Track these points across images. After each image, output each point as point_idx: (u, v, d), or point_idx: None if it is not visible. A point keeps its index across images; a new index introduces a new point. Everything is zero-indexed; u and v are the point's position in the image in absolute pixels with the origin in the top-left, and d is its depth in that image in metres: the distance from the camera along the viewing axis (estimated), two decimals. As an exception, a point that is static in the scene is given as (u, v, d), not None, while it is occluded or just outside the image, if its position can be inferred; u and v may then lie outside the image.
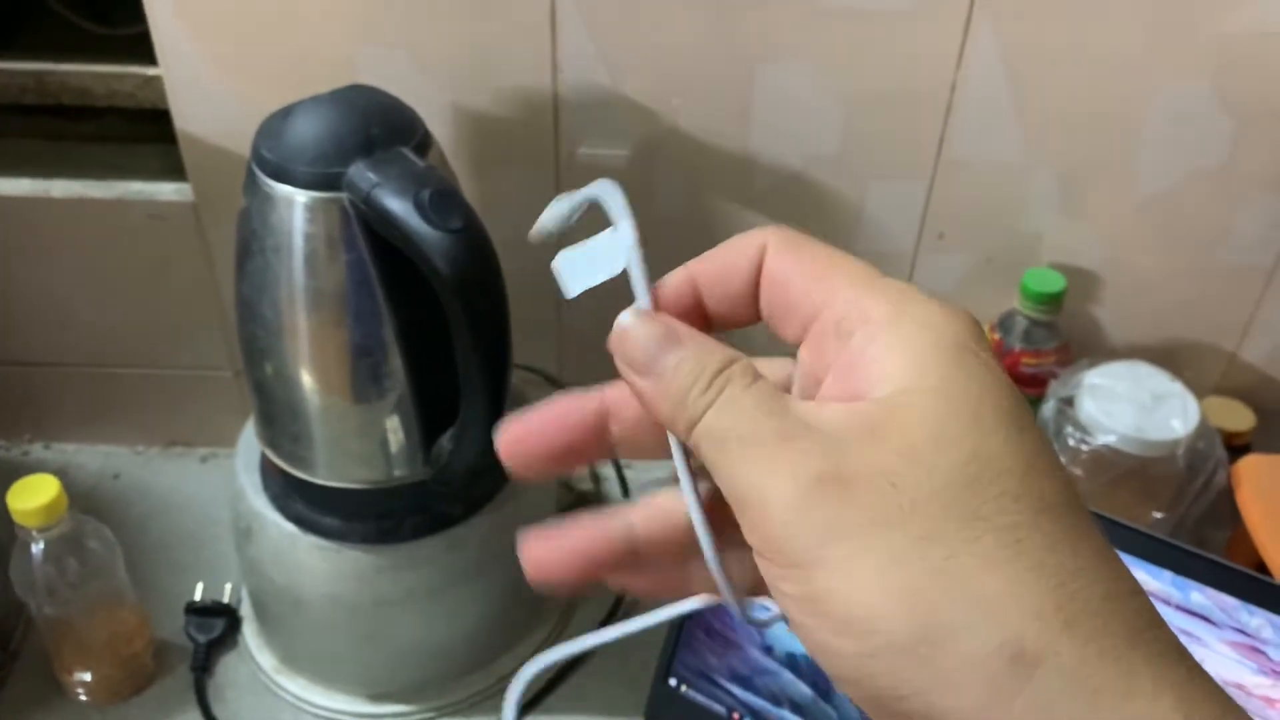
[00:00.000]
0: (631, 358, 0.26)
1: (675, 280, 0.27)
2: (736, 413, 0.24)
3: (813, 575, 0.22)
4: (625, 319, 0.26)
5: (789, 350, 0.27)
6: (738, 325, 0.28)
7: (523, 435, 0.28)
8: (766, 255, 0.26)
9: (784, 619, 0.25)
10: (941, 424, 0.22)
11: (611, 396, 0.28)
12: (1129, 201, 0.76)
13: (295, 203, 0.56)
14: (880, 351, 0.24)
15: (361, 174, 0.54)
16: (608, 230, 0.27)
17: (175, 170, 0.76)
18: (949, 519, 0.21)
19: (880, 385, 0.23)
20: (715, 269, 0.27)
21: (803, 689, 0.65)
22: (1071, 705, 0.20)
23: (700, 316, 0.27)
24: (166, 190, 0.77)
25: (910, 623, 0.21)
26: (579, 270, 0.28)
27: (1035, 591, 0.21)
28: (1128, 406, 0.72)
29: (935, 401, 0.23)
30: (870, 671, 0.22)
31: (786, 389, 0.27)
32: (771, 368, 0.27)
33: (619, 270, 0.27)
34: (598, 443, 0.28)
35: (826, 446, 0.23)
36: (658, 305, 0.27)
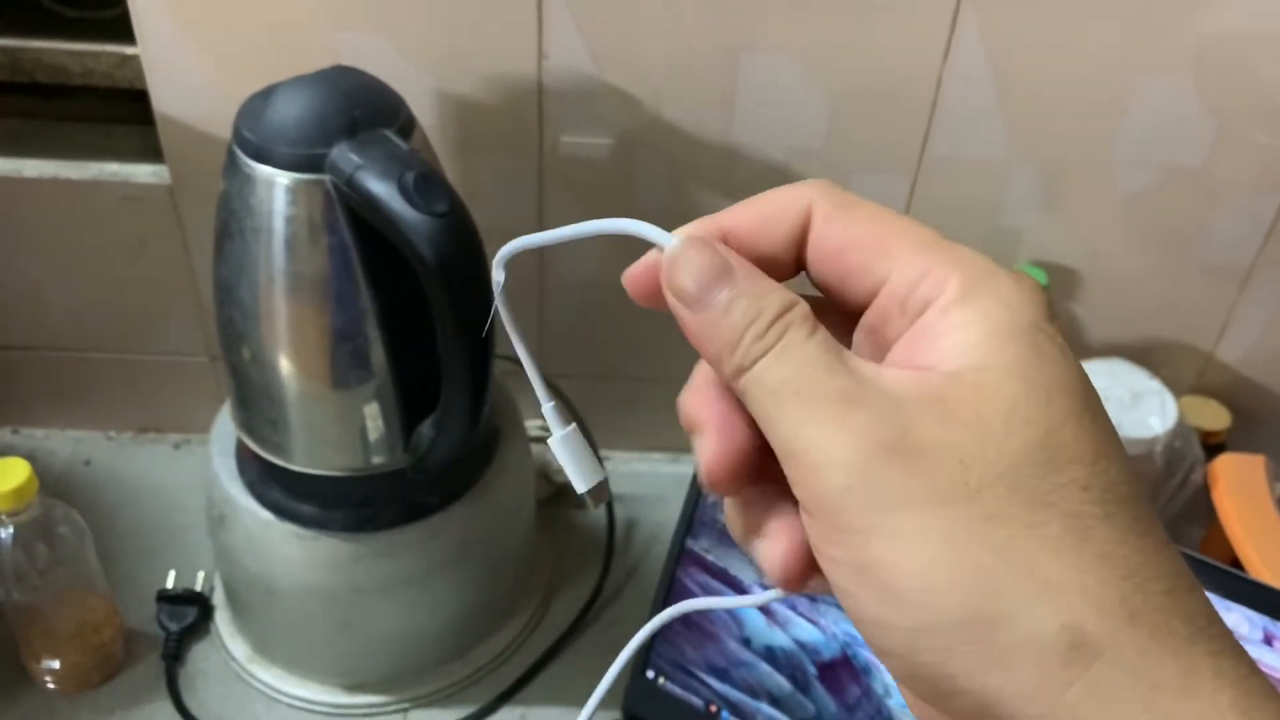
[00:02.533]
0: (679, 286, 0.24)
1: (701, 228, 0.25)
2: (796, 365, 0.23)
3: (867, 543, 0.21)
4: (676, 244, 0.24)
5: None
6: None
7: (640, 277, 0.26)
8: (814, 219, 0.25)
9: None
10: (1014, 405, 0.21)
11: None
12: (1109, 200, 0.76)
13: (276, 184, 0.55)
14: (951, 326, 0.23)
15: (344, 156, 0.54)
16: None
17: (152, 152, 0.75)
18: (1015, 502, 0.21)
19: (951, 359, 0.22)
20: (750, 224, 0.25)
21: (780, 681, 0.65)
22: (1129, 699, 0.20)
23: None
24: (143, 172, 0.75)
25: (968, 600, 0.20)
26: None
27: (1100, 582, 0.20)
28: (1105, 404, 0.72)
29: (1009, 382, 0.22)
30: (919, 647, 0.21)
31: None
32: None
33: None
34: None
35: (893, 413, 0.22)
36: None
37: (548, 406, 0.29)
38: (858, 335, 0.25)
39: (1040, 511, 0.21)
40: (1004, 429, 0.21)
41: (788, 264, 0.25)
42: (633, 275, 0.26)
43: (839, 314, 0.26)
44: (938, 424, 0.21)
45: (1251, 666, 0.21)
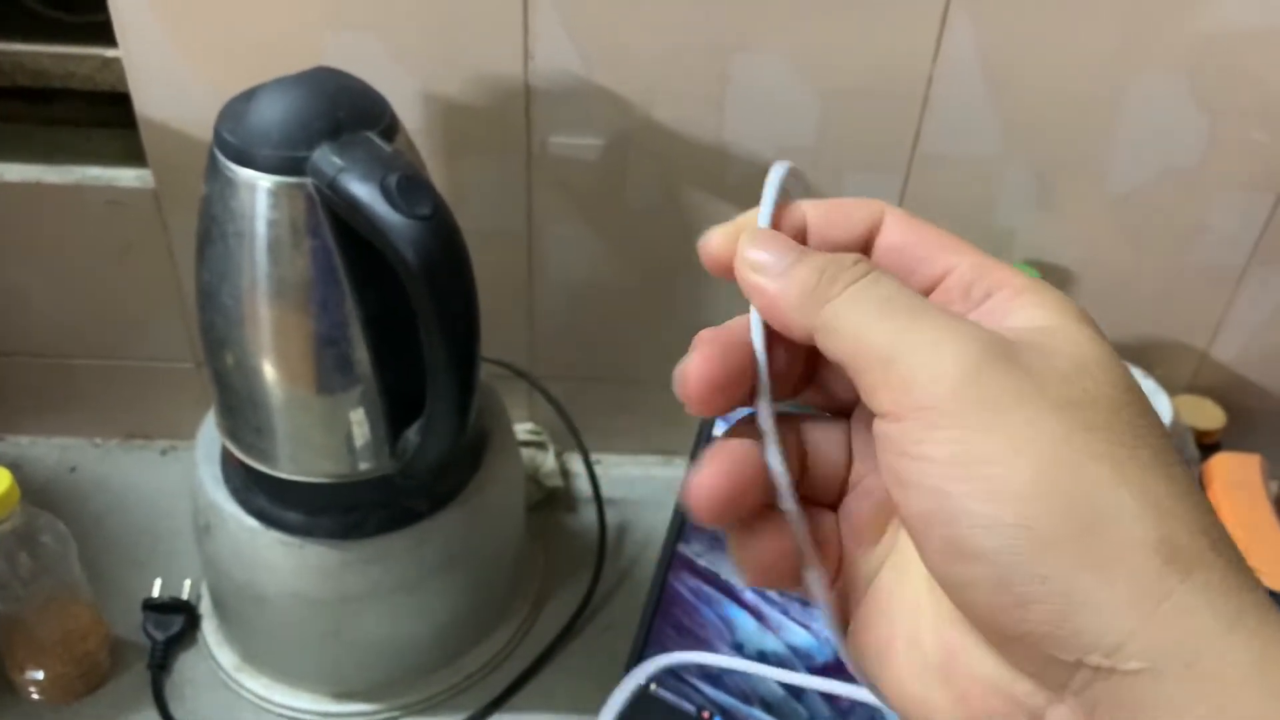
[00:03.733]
0: (761, 261, 0.26)
1: (795, 209, 0.28)
2: (892, 286, 0.25)
3: (976, 439, 0.22)
4: (757, 229, 0.27)
5: None
6: None
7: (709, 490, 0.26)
8: (887, 218, 0.27)
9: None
10: (1101, 353, 0.23)
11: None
12: (1103, 199, 0.76)
13: (258, 187, 0.55)
14: (1022, 306, 0.25)
15: (326, 158, 0.53)
16: None
17: (135, 156, 0.74)
18: (1114, 424, 0.22)
19: (1031, 321, 0.24)
20: (829, 216, 0.27)
21: (773, 687, 0.64)
22: (1214, 620, 0.20)
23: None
24: (126, 176, 0.75)
25: (1075, 500, 0.21)
26: None
27: (1189, 508, 0.21)
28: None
29: (1093, 338, 0.24)
30: (1016, 545, 0.21)
31: None
32: None
33: None
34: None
35: (996, 333, 0.23)
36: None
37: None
38: None
39: (1133, 437, 0.22)
40: (1096, 367, 0.23)
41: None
42: (710, 245, 0.27)
43: None
44: (1040, 356, 0.23)
45: None
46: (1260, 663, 0.20)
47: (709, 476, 0.25)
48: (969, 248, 0.26)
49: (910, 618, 0.25)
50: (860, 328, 0.24)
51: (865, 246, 0.27)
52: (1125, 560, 0.20)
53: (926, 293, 0.26)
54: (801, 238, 0.27)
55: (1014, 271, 0.26)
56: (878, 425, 0.24)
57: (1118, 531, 0.21)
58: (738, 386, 0.26)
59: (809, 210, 0.28)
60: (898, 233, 0.27)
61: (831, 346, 0.24)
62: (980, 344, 0.23)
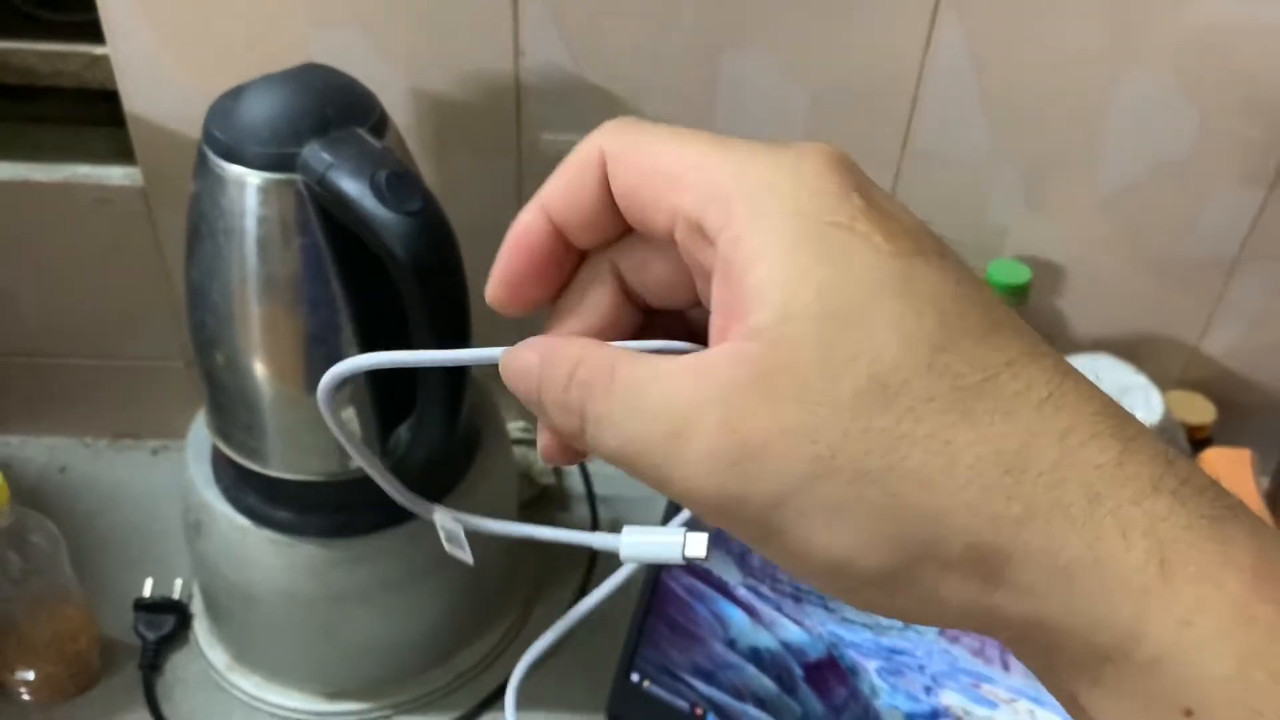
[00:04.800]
0: (526, 398, 0.25)
1: (527, 219, 0.25)
2: (607, 429, 0.23)
3: (772, 543, 0.22)
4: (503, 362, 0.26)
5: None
6: (607, 244, 0.26)
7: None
8: (607, 166, 0.24)
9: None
10: (831, 351, 0.21)
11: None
12: (1093, 195, 0.76)
13: (247, 184, 0.54)
14: (748, 255, 0.22)
15: (316, 154, 0.53)
16: (670, 529, 0.30)
17: (124, 153, 0.73)
18: (870, 451, 0.20)
19: (758, 307, 0.21)
20: (560, 193, 0.25)
21: (766, 683, 0.64)
22: (1047, 586, 0.20)
23: (564, 251, 0.26)
24: (115, 174, 0.74)
25: (878, 559, 0.21)
26: (636, 543, 0.30)
27: (980, 491, 0.20)
28: (1092, 399, 0.72)
29: (819, 325, 0.21)
30: (863, 600, 0.22)
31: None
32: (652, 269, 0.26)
33: (672, 560, 0.29)
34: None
35: (719, 418, 0.21)
36: (516, 279, 0.26)
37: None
38: (698, 281, 0.25)
39: (897, 448, 0.20)
40: (831, 382, 0.21)
41: (610, 222, 0.25)
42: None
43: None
44: (765, 408, 0.21)
45: (1177, 492, 0.21)
46: (1099, 605, 0.20)
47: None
48: (686, 165, 0.23)
49: None
50: (616, 461, 0.23)
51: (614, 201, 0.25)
52: (947, 582, 0.21)
53: (670, 239, 0.24)
54: (553, 240, 0.25)
55: (730, 184, 0.22)
56: None
57: (929, 564, 0.21)
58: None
59: (545, 202, 0.25)
60: (621, 174, 0.24)
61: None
62: (714, 460, 0.21)
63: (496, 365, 0.26)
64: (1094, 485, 0.20)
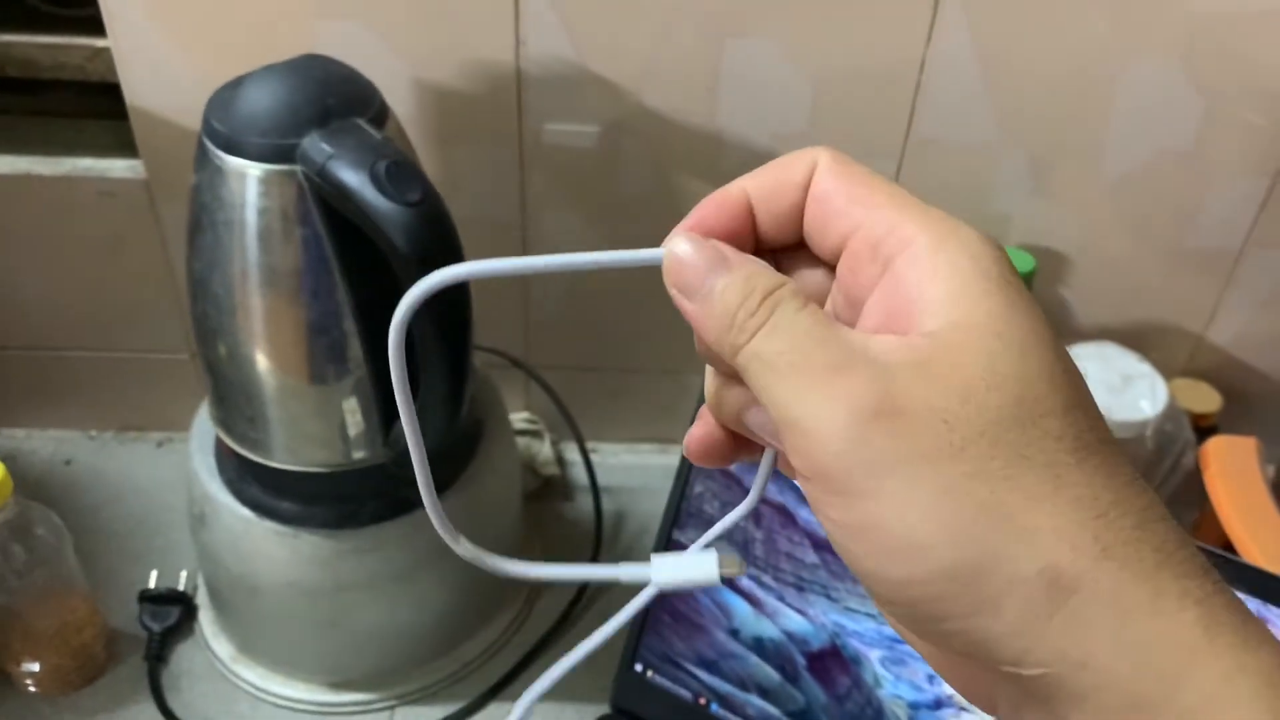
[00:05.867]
0: (682, 281, 0.26)
1: (732, 194, 0.27)
2: (787, 337, 0.24)
3: (862, 504, 0.23)
4: (678, 245, 0.26)
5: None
6: (784, 245, 0.28)
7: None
8: (815, 172, 0.27)
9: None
10: (992, 363, 0.23)
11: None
12: (1098, 183, 0.75)
13: (248, 176, 0.54)
14: (924, 277, 0.24)
15: (316, 145, 0.53)
16: (701, 550, 0.31)
17: (127, 146, 0.73)
18: (995, 457, 0.22)
19: (930, 317, 0.24)
20: (768, 185, 0.27)
21: (770, 673, 0.64)
22: (1104, 623, 0.22)
23: (751, 235, 0.28)
24: (118, 167, 0.74)
25: (956, 553, 0.22)
26: (668, 569, 0.31)
27: (1073, 524, 0.22)
28: (1096, 387, 0.72)
29: (986, 340, 0.23)
30: (914, 596, 0.23)
31: (820, 302, 0.27)
32: (803, 280, 0.28)
33: (709, 582, 0.30)
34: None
35: (880, 379, 0.23)
36: (705, 232, 0.27)
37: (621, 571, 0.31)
38: (834, 289, 0.27)
39: (1017, 464, 0.22)
40: (984, 388, 0.23)
41: (799, 222, 0.27)
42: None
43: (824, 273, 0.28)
44: (922, 386, 0.23)
45: (1218, 585, 0.23)
46: (1150, 655, 0.22)
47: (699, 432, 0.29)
48: (885, 199, 0.26)
49: None
50: (764, 384, 0.24)
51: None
52: (1010, 598, 0.22)
53: (837, 251, 0.26)
54: (746, 217, 0.27)
55: (923, 226, 0.25)
56: (800, 483, 0.25)
57: (999, 575, 0.22)
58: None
59: (748, 185, 0.27)
60: (824, 182, 0.27)
61: (755, 390, 0.25)
62: (857, 405, 0.23)
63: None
64: (1162, 550, 0.22)
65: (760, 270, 0.26)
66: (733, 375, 0.27)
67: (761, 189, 0.27)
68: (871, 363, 0.23)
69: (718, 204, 0.27)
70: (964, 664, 0.25)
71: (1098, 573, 0.22)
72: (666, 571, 0.31)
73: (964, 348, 0.23)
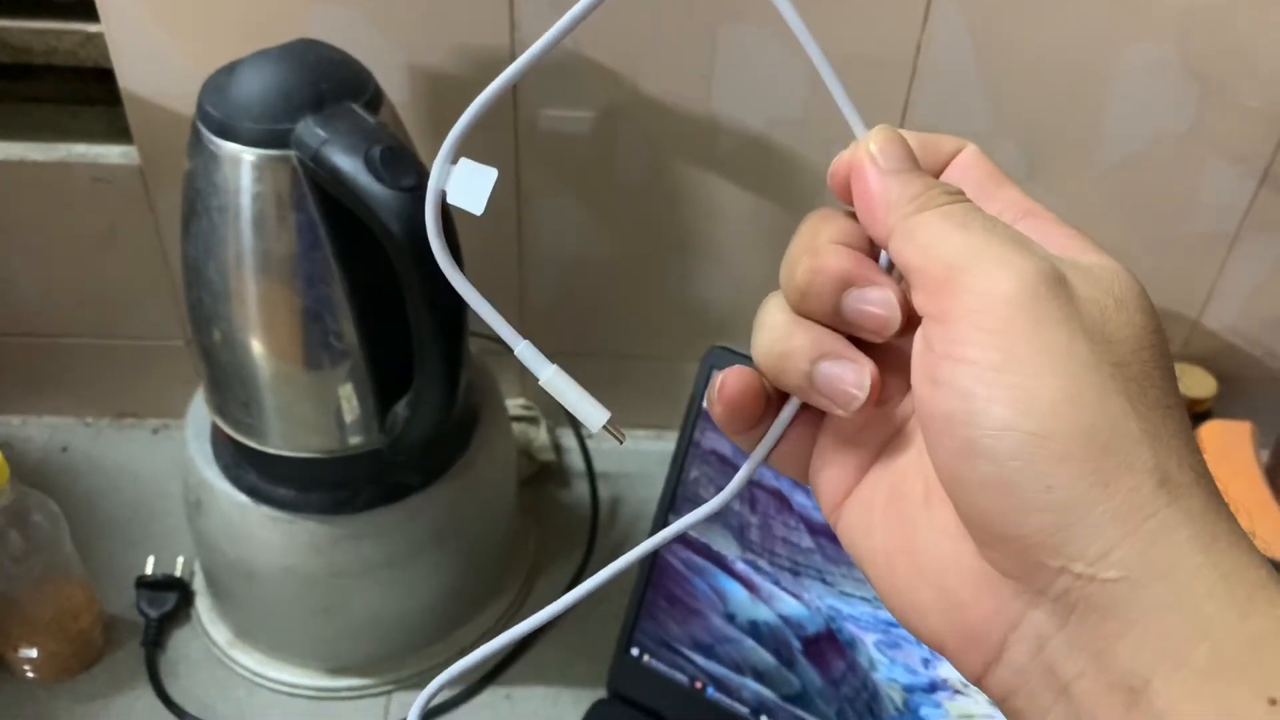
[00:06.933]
0: (882, 153, 0.28)
1: (898, 134, 0.29)
2: (975, 212, 0.26)
3: (1016, 347, 0.24)
4: (890, 130, 0.29)
5: None
6: None
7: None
8: (963, 153, 0.29)
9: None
10: (1137, 294, 0.25)
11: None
12: (1094, 168, 0.75)
13: (242, 161, 0.54)
14: (1054, 234, 0.27)
15: (310, 130, 0.52)
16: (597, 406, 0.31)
17: (121, 133, 0.73)
18: (1137, 362, 0.24)
19: (1072, 253, 0.26)
20: (923, 148, 0.29)
21: (765, 657, 0.65)
22: (1194, 541, 0.23)
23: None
24: (112, 153, 0.74)
25: (1094, 418, 0.23)
26: (562, 383, 0.31)
27: (1182, 444, 0.24)
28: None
29: (1130, 280, 0.26)
30: (1031, 453, 0.23)
31: None
32: None
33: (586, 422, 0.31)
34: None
35: (1056, 262, 0.25)
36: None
37: (521, 347, 0.30)
38: None
39: (1147, 379, 0.24)
40: (1133, 307, 0.25)
41: None
42: (835, 168, 0.30)
43: None
44: (1086, 283, 0.25)
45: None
46: (1227, 579, 0.22)
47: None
48: (1022, 196, 0.28)
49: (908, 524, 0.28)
50: (936, 238, 0.26)
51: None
52: (1124, 480, 0.23)
53: None
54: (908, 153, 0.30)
55: (1057, 220, 0.28)
56: (925, 328, 0.26)
57: (1122, 455, 0.23)
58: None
59: (910, 136, 0.29)
60: (968, 161, 0.29)
61: (902, 252, 0.26)
62: (1042, 266, 0.24)
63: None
64: (1225, 501, 0.24)
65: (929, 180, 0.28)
66: (819, 317, 0.28)
67: (917, 144, 0.29)
68: (1045, 251, 0.25)
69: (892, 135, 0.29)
70: (989, 594, 0.25)
71: (1195, 491, 0.23)
72: (559, 380, 0.31)
73: (1112, 275, 0.25)
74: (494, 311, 0.30)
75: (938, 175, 0.29)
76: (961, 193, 0.27)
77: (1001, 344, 0.24)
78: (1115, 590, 0.22)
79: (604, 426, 0.31)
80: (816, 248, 0.28)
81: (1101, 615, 0.23)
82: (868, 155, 0.28)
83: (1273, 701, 0.21)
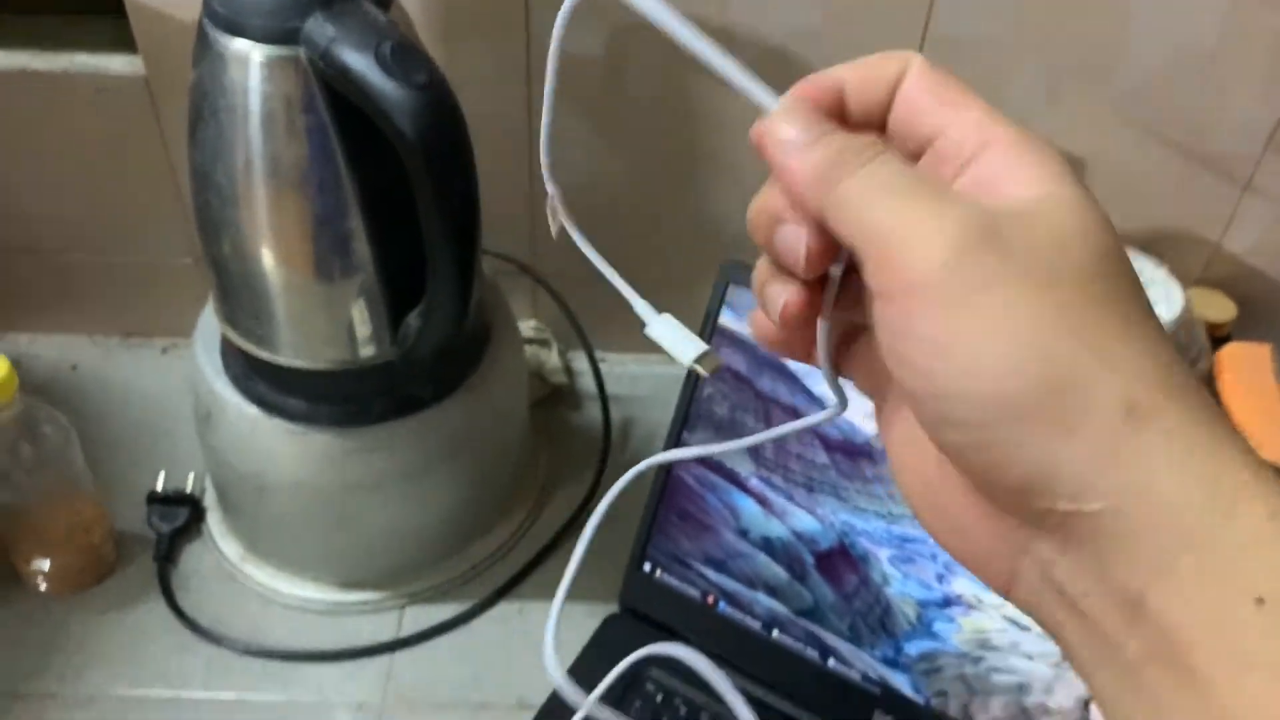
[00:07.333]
0: (785, 138, 0.27)
1: (828, 79, 0.28)
2: (894, 170, 0.26)
3: (959, 317, 0.24)
4: (783, 105, 0.27)
5: None
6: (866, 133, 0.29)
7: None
8: (907, 74, 0.28)
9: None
10: (1084, 223, 0.25)
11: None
12: (1117, 85, 0.74)
13: (250, 60, 0.53)
14: (1014, 164, 0.26)
15: (319, 26, 0.51)
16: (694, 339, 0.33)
17: (125, 42, 0.72)
18: (1085, 295, 0.24)
19: (1021, 188, 0.25)
20: (861, 77, 0.28)
21: (778, 571, 0.65)
22: (1171, 455, 0.23)
23: (842, 122, 0.28)
24: (116, 63, 0.73)
25: (1046, 369, 0.23)
26: (663, 326, 0.34)
27: (1148, 365, 0.24)
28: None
29: (1078, 205, 0.25)
30: (992, 417, 0.24)
31: None
32: None
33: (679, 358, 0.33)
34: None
35: (985, 213, 0.25)
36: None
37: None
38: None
39: (1102, 306, 0.24)
40: (1079, 240, 0.25)
41: (882, 116, 0.29)
42: (755, 135, 0.29)
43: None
44: (1022, 230, 0.24)
45: (1249, 443, 0.24)
46: (1210, 487, 0.23)
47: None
48: (974, 103, 0.27)
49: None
50: (862, 209, 0.25)
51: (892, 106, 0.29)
52: (1088, 422, 0.23)
53: (922, 148, 0.28)
54: (839, 102, 0.28)
55: (1008, 128, 0.26)
56: (876, 308, 0.25)
57: (1082, 398, 0.23)
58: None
59: (845, 73, 0.28)
60: (914, 84, 0.28)
61: (839, 228, 0.26)
62: (966, 224, 0.24)
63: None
64: (1210, 405, 0.24)
65: (860, 134, 0.27)
66: (765, 249, 0.28)
67: (855, 79, 0.28)
68: (974, 202, 0.25)
69: (816, 85, 0.28)
70: (997, 524, 0.26)
71: (1168, 408, 0.23)
72: (661, 327, 0.33)
73: (1057, 209, 0.25)
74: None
75: (886, 106, 0.28)
76: (879, 143, 0.26)
77: (939, 315, 0.24)
78: (1100, 520, 0.23)
79: (690, 363, 0.32)
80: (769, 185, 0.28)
81: (1094, 542, 0.24)
82: (773, 143, 0.27)
83: (1260, 600, 0.22)
